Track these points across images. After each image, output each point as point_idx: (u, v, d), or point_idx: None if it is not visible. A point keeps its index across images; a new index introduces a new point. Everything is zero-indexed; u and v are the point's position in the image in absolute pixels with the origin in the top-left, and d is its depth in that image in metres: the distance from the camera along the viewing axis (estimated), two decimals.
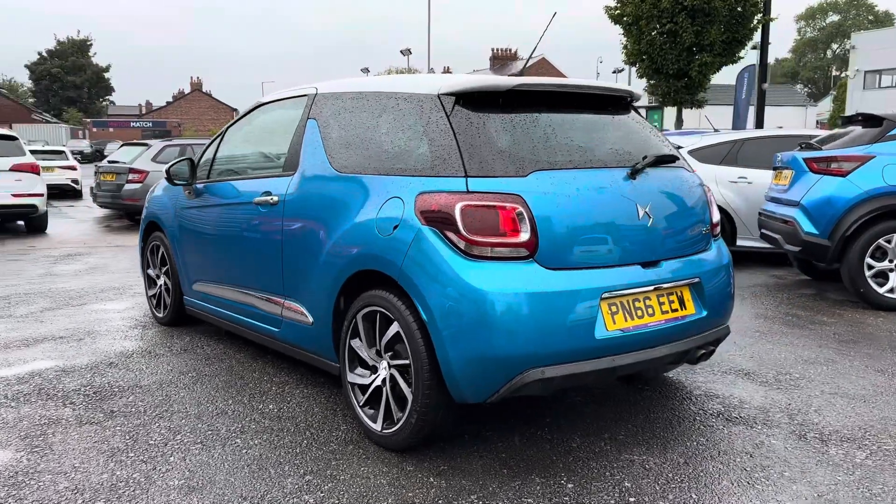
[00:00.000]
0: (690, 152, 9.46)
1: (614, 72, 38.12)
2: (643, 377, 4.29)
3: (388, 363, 3.28)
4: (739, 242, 8.97)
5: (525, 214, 3.00)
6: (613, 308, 3.15)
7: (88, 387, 4.09)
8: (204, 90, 75.69)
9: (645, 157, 3.42)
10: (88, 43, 78.47)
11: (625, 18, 19.95)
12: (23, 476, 3.03)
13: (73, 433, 3.46)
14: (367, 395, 3.40)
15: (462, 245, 2.97)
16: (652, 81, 20.69)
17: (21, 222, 12.35)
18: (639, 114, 3.90)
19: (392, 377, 3.27)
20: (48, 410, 3.74)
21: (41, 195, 11.80)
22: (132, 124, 63.72)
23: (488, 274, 2.95)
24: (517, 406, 3.80)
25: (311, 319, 3.72)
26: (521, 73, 3.94)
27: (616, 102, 3.72)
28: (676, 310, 3.37)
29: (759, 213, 7.83)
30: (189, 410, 3.75)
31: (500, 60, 76.71)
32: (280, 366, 4.48)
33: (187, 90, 75.97)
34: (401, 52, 38.21)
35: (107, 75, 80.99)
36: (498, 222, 2.98)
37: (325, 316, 3.60)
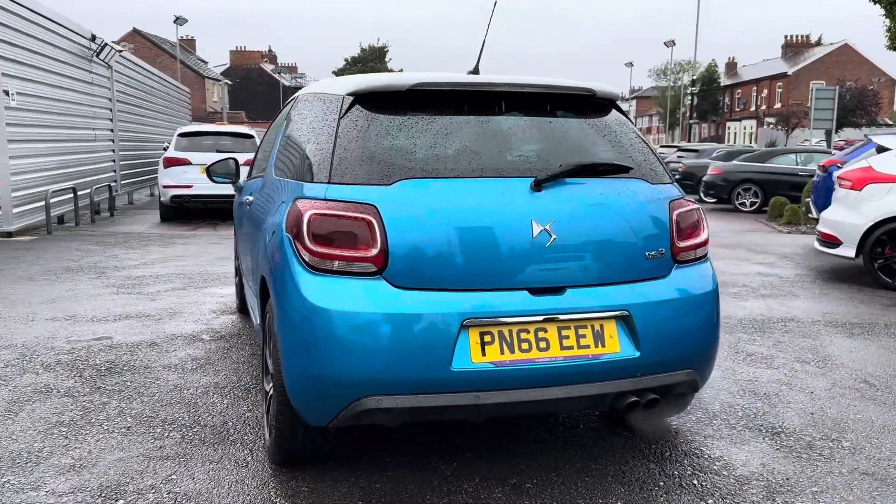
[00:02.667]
0: None
1: None
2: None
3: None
4: None
5: (376, 226, 2.73)
6: (487, 338, 2.74)
7: (111, 362, 4.54)
8: None
9: (561, 166, 2.91)
10: (385, 49, 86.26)
11: None
12: None
13: (48, 403, 3.87)
14: (267, 404, 3.35)
15: (306, 256, 2.79)
16: None
17: None
18: (623, 115, 3.33)
19: None
20: (56, 380, 4.22)
21: None
22: None
23: (326, 289, 2.74)
24: (448, 432, 3.47)
25: (257, 321, 3.76)
26: (475, 71, 3.57)
27: (574, 103, 3.22)
28: (588, 346, 2.83)
29: None
30: (156, 396, 3.99)
31: (794, 48, 69.37)
32: None
33: None
34: (664, 43, 36.38)
35: None
36: (344, 234, 2.75)
37: (260, 319, 3.61)
